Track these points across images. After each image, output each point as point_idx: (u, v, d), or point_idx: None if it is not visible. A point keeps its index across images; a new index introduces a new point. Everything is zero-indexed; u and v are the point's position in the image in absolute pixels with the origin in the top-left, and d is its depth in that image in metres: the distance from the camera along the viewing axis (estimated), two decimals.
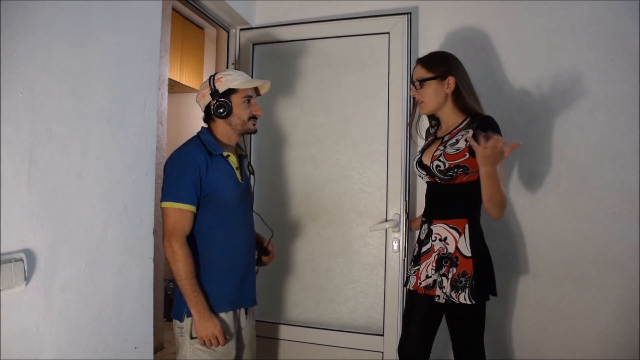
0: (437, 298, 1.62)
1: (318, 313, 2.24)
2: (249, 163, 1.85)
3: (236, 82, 1.63)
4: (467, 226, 1.62)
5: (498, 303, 1.97)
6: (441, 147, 1.66)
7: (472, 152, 1.57)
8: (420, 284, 1.68)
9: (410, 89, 1.75)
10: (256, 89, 1.75)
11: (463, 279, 1.58)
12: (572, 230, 2.01)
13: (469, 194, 1.64)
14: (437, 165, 1.64)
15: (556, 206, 2.02)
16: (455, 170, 1.61)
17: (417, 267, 1.71)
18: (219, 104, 1.62)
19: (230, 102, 1.63)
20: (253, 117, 1.68)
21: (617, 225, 1.96)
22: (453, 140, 1.64)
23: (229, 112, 1.63)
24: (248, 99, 1.66)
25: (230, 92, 1.63)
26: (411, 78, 1.75)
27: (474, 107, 1.66)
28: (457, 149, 1.61)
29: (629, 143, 1.94)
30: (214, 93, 1.62)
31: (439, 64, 1.68)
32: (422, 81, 1.68)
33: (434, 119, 1.82)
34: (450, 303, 1.60)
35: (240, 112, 1.65)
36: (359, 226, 2.18)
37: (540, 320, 2.05)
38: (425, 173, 1.71)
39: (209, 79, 1.65)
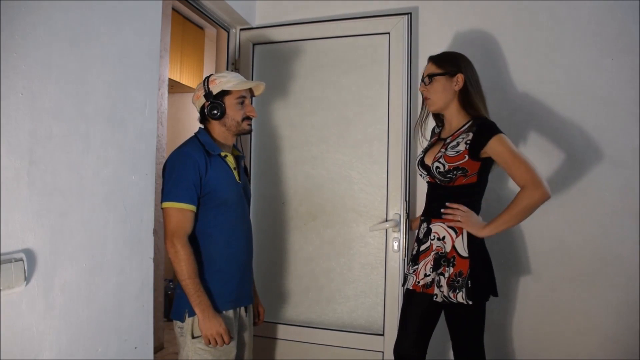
0: (435, 297, 1.62)
1: (318, 313, 2.24)
2: (245, 165, 1.86)
3: (230, 84, 1.64)
4: None
5: (498, 303, 1.97)
6: (442, 149, 1.66)
7: (471, 154, 1.58)
8: (418, 282, 1.69)
9: (420, 85, 1.76)
10: (251, 90, 1.75)
11: (459, 279, 1.58)
12: (572, 230, 2.01)
13: (467, 195, 1.65)
14: (437, 167, 1.64)
15: (556, 206, 2.02)
16: (455, 172, 1.61)
17: (415, 267, 1.71)
18: (213, 106, 1.63)
19: (224, 104, 1.64)
20: (247, 118, 1.69)
21: (617, 225, 1.96)
22: (454, 143, 1.64)
23: (222, 114, 1.64)
24: (242, 100, 1.67)
25: (223, 93, 1.64)
26: (422, 76, 1.76)
27: (479, 109, 1.66)
28: (457, 152, 1.61)
29: (629, 143, 1.94)
30: (208, 95, 1.64)
31: (450, 62, 1.69)
32: (431, 76, 1.69)
33: (439, 120, 1.82)
34: (448, 302, 1.60)
35: (233, 113, 1.66)
36: (359, 226, 2.18)
37: (540, 320, 2.05)
38: (426, 173, 1.71)
39: (204, 80, 1.67)
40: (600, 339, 1.98)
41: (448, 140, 1.67)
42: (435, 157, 1.67)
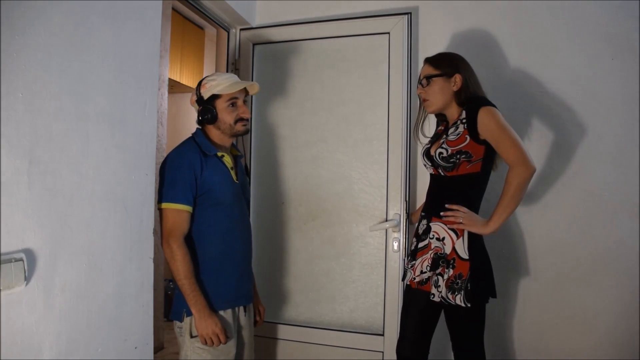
0: (432, 297, 1.62)
1: (318, 313, 2.24)
2: (246, 164, 1.86)
3: (219, 87, 1.63)
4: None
5: (498, 304, 1.97)
6: (445, 136, 1.66)
7: (471, 134, 1.58)
8: (414, 278, 1.69)
9: (417, 87, 1.75)
10: (246, 90, 1.74)
11: (459, 281, 1.58)
12: (572, 230, 2.01)
13: (470, 188, 1.64)
14: (440, 152, 1.64)
15: (556, 206, 2.02)
16: (458, 156, 1.60)
17: (413, 262, 1.72)
18: (204, 110, 1.64)
19: (215, 108, 1.64)
20: (241, 120, 1.67)
21: (617, 225, 1.96)
22: (453, 128, 1.64)
23: (214, 118, 1.64)
24: (233, 102, 1.65)
25: (214, 97, 1.64)
26: (418, 78, 1.76)
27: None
28: (458, 134, 1.62)
29: (629, 143, 1.94)
30: (199, 100, 1.65)
31: (447, 63, 1.69)
32: (428, 78, 1.68)
33: (444, 120, 1.81)
34: (447, 304, 1.60)
35: (225, 116, 1.65)
36: (359, 226, 2.18)
37: (540, 321, 2.05)
38: (430, 164, 1.71)
39: (197, 85, 1.67)
40: (600, 339, 1.98)
41: (449, 129, 1.67)
42: (438, 144, 1.67)
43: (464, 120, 1.61)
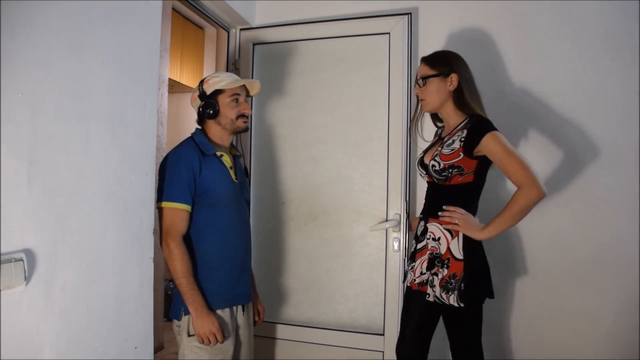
0: (428, 296, 1.63)
1: (318, 313, 2.24)
2: (245, 165, 1.87)
3: (222, 83, 1.66)
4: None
5: (497, 303, 1.97)
6: (439, 148, 1.66)
7: (466, 152, 1.58)
8: (415, 280, 1.69)
9: (414, 87, 1.76)
10: (247, 91, 1.76)
11: (453, 281, 1.58)
12: (572, 230, 2.01)
13: (464, 196, 1.65)
14: (433, 165, 1.65)
15: (556, 206, 2.02)
16: (450, 170, 1.61)
17: (413, 264, 1.72)
18: (206, 105, 1.66)
19: (218, 103, 1.66)
20: (242, 116, 1.70)
21: (617, 225, 1.96)
22: (450, 141, 1.64)
23: (216, 113, 1.66)
24: (235, 98, 1.68)
25: (217, 92, 1.67)
26: (415, 76, 1.76)
27: (474, 107, 1.66)
28: (452, 149, 1.61)
29: (629, 143, 1.94)
30: (202, 95, 1.66)
31: (443, 62, 1.69)
32: (425, 78, 1.69)
33: (438, 119, 1.82)
34: (441, 303, 1.60)
35: (227, 111, 1.67)
36: (360, 226, 2.18)
37: (539, 321, 2.05)
38: (425, 172, 1.72)
39: (200, 82, 1.69)
40: (600, 339, 1.98)
41: (445, 139, 1.67)
42: (432, 156, 1.67)
43: (463, 139, 1.60)
